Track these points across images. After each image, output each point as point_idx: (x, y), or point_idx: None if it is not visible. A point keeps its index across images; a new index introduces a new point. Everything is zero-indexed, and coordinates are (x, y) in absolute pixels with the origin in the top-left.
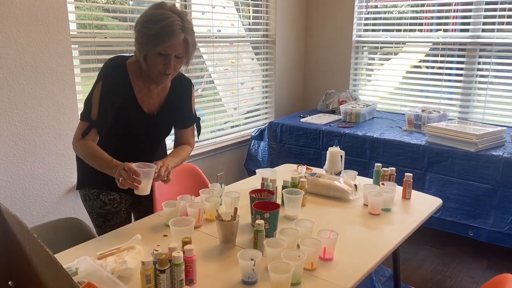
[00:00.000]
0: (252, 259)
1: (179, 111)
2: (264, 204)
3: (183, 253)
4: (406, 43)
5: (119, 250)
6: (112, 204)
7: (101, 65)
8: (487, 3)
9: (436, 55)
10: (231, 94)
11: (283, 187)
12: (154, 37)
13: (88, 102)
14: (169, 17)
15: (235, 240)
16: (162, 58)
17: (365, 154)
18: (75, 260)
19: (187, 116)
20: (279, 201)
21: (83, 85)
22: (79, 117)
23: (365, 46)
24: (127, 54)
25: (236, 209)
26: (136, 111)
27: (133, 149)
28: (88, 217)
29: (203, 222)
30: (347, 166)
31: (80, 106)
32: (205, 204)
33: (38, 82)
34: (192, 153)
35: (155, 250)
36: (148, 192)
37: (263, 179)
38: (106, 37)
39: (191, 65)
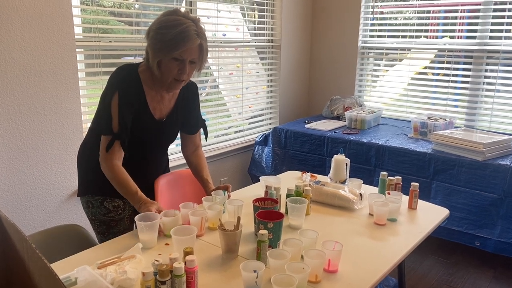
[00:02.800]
0: (255, 271)
1: (189, 116)
2: (268, 213)
3: (185, 264)
4: (412, 50)
5: (120, 259)
6: (116, 211)
7: (106, 69)
8: (494, 10)
9: (442, 62)
10: (236, 99)
11: (287, 196)
12: (170, 43)
13: (105, 114)
14: (184, 22)
15: (237, 250)
16: (177, 64)
17: (370, 162)
18: (75, 269)
19: (196, 120)
20: (283, 210)
21: (88, 89)
22: (101, 132)
23: (370, 52)
24: (134, 62)
25: (239, 218)
26: (148, 118)
27: (142, 156)
28: (88, 225)
29: (206, 231)
30: (352, 173)
31: (84, 110)
32: (207, 212)
33: (42, 86)
34: None
35: (156, 260)
36: (155, 245)
37: (267, 187)
38: (111, 41)
39: None
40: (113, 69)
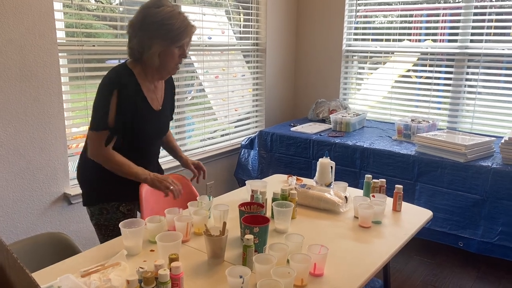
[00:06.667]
0: (241, 276)
1: (172, 102)
2: (254, 218)
3: (170, 271)
4: (395, 53)
5: (104, 267)
6: (131, 215)
7: (89, 73)
8: (475, 14)
9: (425, 65)
10: (222, 102)
11: (273, 200)
12: (178, 31)
13: (101, 111)
14: (178, 12)
15: (223, 255)
16: (178, 50)
17: (355, 164)
18: (58, 278)
19: (174, 106)
20: (269, 214)
21: (71, 94)
22: (91, 128)
23: (354, 55)
24: (118, 63)
25: (225, 223)
26: (147, 110)
27: (143, 147)
28: (72, 232)
29: (191, 236)
30: (338, 176)
31: (68, 115)
32: (193, 217)
33: (23, 91)
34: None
35: (141, 267)
36: (140, 251)
37: (252, 191)
38: (94, 45)
39: (181, 73)
40: (97, 73)
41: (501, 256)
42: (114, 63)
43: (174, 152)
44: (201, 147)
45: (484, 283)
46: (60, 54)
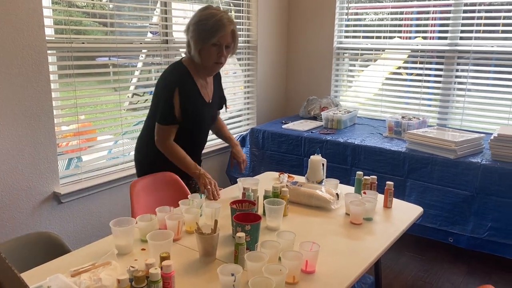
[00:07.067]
0: (232, 274)
1: (221, 94)
2: (245, 215)
3: (161, 269)
4: (386, 50)
5: (94, 266)
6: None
7: (79, 71)
8: (465, 11)
9: (415, 62)
10: None
11: (265, 197)
12: (209, 31)
13: (168, 107)
14: (217, 13)
15: (215, 253)
16: (216, 49)
17: (346, 161)
18: (47, 278)
19: (223, 97)
20: (260, 211)
21: (61, 91)
22: (159, 122)
23: (346, 53)
24: (176, 61)
25: (216, 221)
26: (201, 103)
27: (197, 137)
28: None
29: (183, 234)
30: (329, 173)
31: (57, 113)
32: (184, 216)
33: (12, 89)
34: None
35: (132, 266)
36: (131, 250)
37: (244, 188)
38: (83, 42)
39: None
40: (86, 71)
41: (490, 251)
42: (104, 60)
43: (224, 138)
44: None
45: (474, 278)
46: (49, 52)
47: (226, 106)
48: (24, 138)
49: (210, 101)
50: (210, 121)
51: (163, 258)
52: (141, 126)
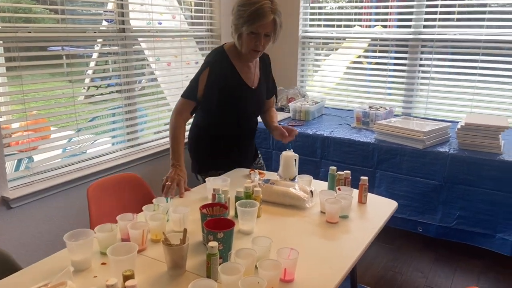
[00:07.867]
0: None
1: (268, 82)
2: (217, 221)
3: None
4: (347, 39)
5: (48, 287)
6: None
7: (26, 63)
8: None
9: (375, 51)
10: (176, 92)
11: (236, 199)
12: (248, 18)
13: (193, 84)
14: (260, 0)
15: (185, 264)
16: (254, 37)
17: (316, 153)
18: None
19: (272, 86)
20: (232, 213)
21: (9, 86)
22: (182, 95)
23: (311, 42)
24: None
25: (185, 230)
26: (243, 88)
27: (241, 121)
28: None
29: (148, 243)
30: (299, 166)
31: (6, 109)
32: (149, 223)
33: None
34: (131, 158)
35: None
36: (89, 266)
37: (214, 190)
38: (30, 32)
39: (130, 61)
40: (36, 62)
41: (458, 239)
42: (57, 50)
43: (271, 129)
44: (155, 140)
45: (442, 265)
46: None
47: (276, 95)
48: None
49: (255, 87)
50: (255, 107)
51: (126, 278)
52: (98, 121)
